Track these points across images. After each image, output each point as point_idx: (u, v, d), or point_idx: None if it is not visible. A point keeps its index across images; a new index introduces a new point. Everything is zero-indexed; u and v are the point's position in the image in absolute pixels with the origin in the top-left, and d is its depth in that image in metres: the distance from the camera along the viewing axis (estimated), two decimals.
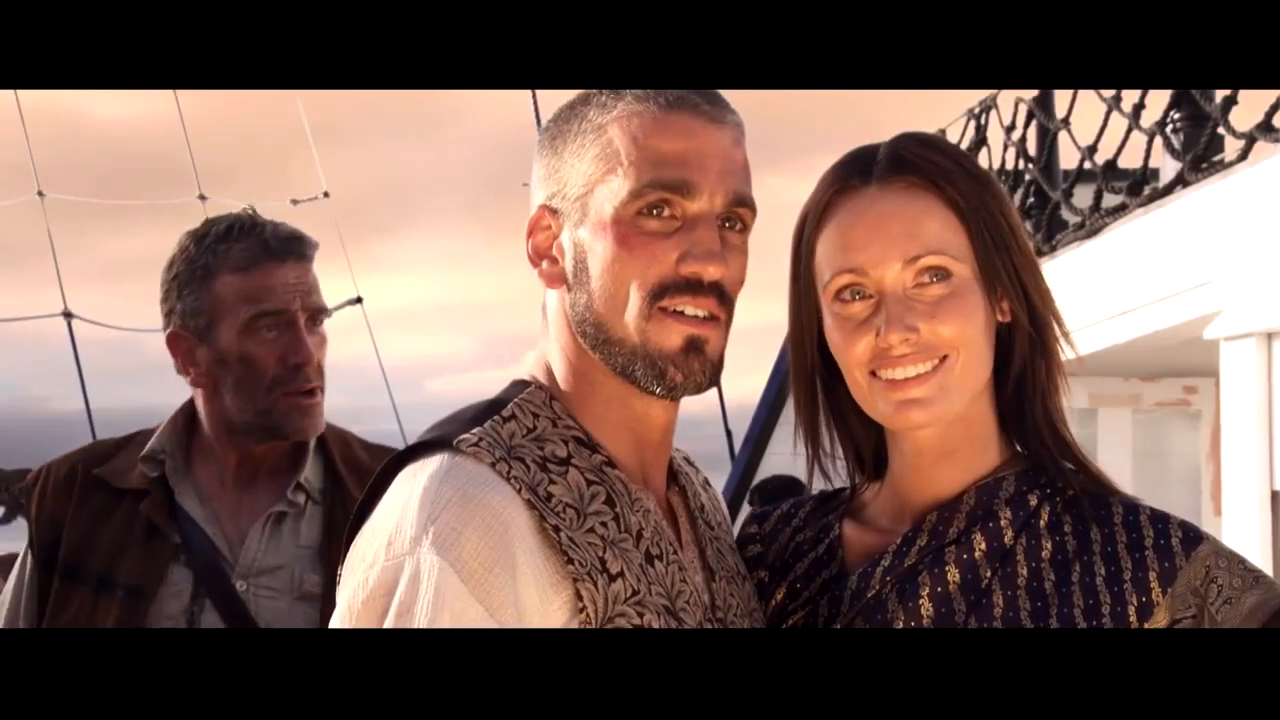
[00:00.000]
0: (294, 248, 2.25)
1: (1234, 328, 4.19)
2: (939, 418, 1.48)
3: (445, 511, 1.30)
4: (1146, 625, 1.41)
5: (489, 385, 1.45)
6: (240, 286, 2.21)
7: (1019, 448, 1.55)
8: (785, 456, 8.97)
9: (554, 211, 1.46)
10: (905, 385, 1.47)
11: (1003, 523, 1.48)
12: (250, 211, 2.32)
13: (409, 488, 1.35)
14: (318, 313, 2.26)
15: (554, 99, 1.52)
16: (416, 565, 1.29)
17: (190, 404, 2.33)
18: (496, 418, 1.41)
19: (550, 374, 1.47)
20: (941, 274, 1.48)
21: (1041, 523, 1.48)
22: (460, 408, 1.46)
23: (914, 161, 1.51)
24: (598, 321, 1.42)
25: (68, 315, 13.02)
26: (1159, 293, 4.57)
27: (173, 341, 2.28)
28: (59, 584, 2.17)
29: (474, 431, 1.38)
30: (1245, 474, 4.01)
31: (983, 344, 1.50)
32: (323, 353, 2.27)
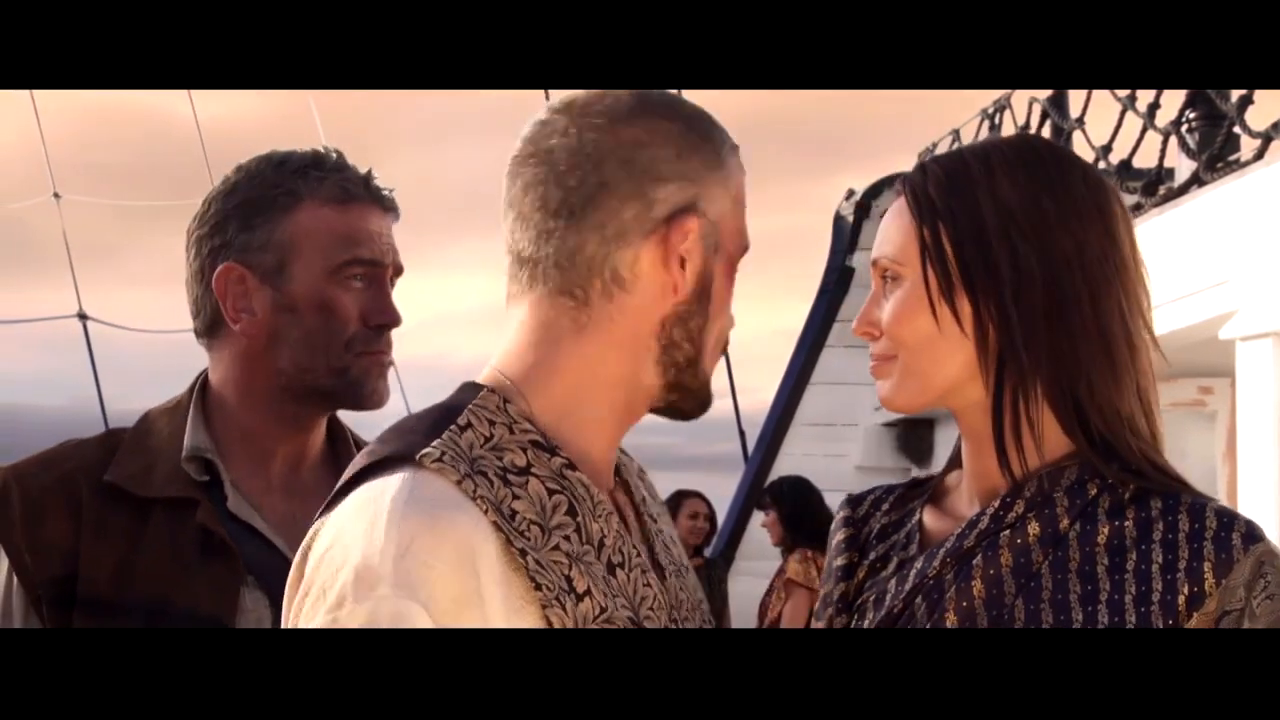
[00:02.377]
0: (384, 198, 1.90)
1: (1250, 328, 4.18)
2: (897, 409, 1.59)
3: (415, 543, 1.25)
4: (1196, 614, 1.43)
5: None
6: (334, 222, 1.83)
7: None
8: (798, 457, 8.99)
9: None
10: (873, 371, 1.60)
11: (1059, 510, 1.50)
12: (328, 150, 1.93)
13: (372, 510, 1.28)
14: (398, 277, 1.91)
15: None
16: (393, 609, 1.23)
17: (202, 389, 1.91)
18: (454, 427, 1.34)
19: (527, 368, 1.39)
20: (894, 275, 1.55)
21: (1101, 510, 1.50)
22: (407, 415, 1.39)
23: (913, 171, 1.57)
24: (691, 339, 1.42)
25: (83, 317, 13.07)
26: (1174, 292, 4.56)
27: (224, 279, 1.83)
28: (80, 618, 1.76)
29: (435, 444, 1.31)
30: (1261, 474, 3.99)
31: (928, 347, 1.53)
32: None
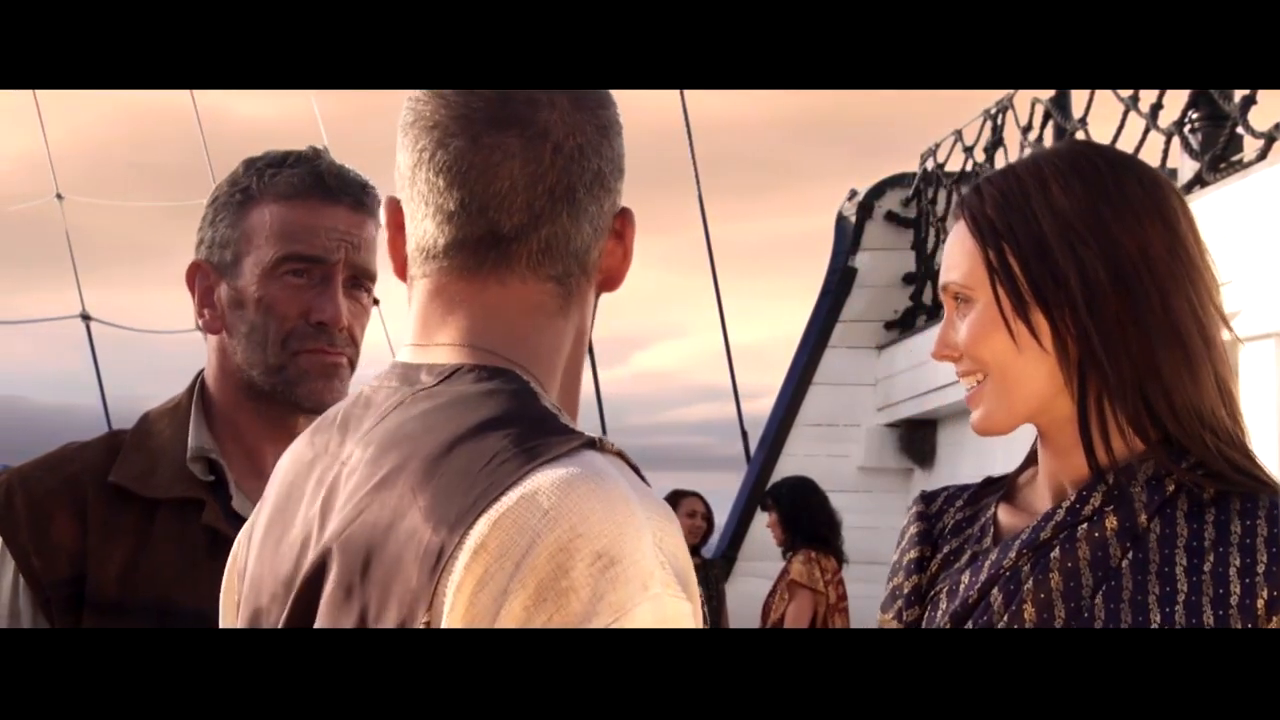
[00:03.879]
0: (352, 191, 1.85)
1: (1252, 328, 4.17)
2: (994, 432, 1.58)
3: (664, 533, 1.16)
4: (1276, 618, 1.44)
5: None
6: (278, 218, 1.83)
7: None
8: (800, 458, 8.99)
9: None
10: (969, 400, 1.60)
11: (1137, 504, 1.51)
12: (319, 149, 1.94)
13: (608, 499, 1.15)
14: (363, 276, 1.86)
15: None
16: (677, 610, 1.14)
17: (201, 389, 1.92)
18: (558, 409, 1.24)
19: (530, 354, 1.28)
20: (965, 297, 1.57)
21: (1180, 512, 1.50)
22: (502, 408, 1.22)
23: (968, 194, 1.59)
24: None
25: (85, 318, 13.10)
26: None
27: (191, 273, 1.89)
28: (88, 619, 1.77)
29: (578, 431, 1.21)
30: None
31: (1010, 364, 1.55)
32: (361, 325, 1.88)
